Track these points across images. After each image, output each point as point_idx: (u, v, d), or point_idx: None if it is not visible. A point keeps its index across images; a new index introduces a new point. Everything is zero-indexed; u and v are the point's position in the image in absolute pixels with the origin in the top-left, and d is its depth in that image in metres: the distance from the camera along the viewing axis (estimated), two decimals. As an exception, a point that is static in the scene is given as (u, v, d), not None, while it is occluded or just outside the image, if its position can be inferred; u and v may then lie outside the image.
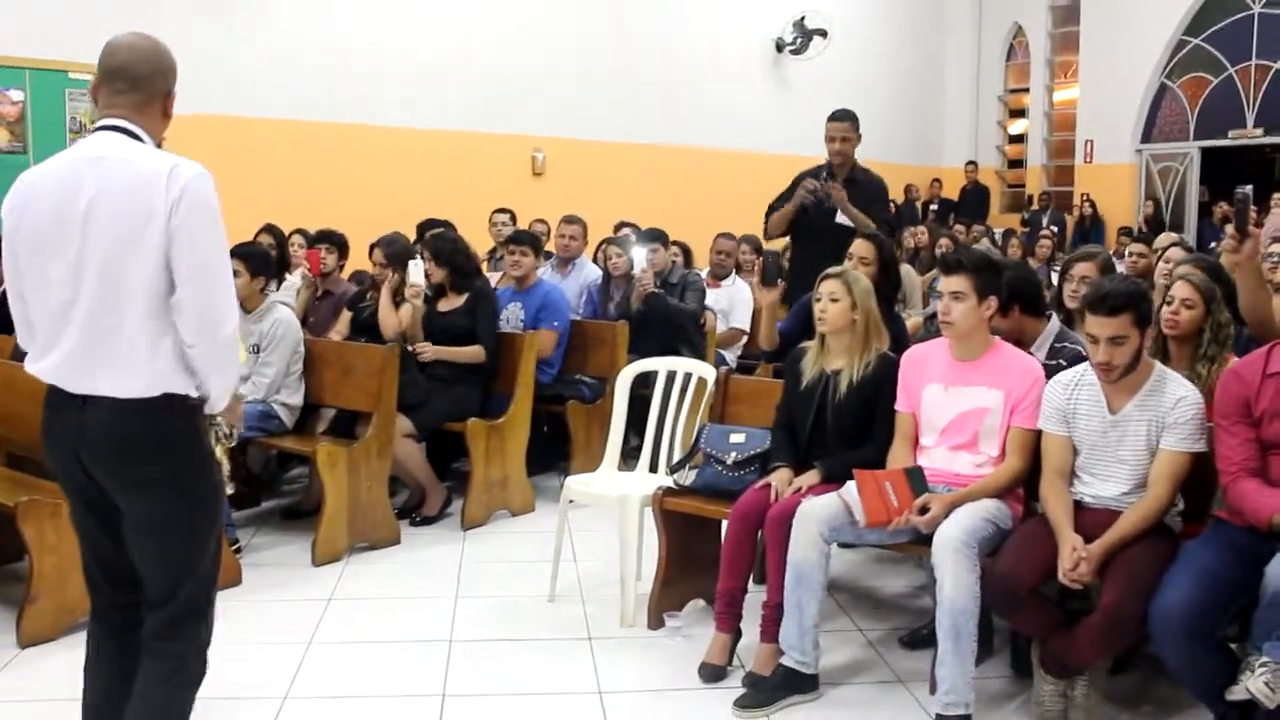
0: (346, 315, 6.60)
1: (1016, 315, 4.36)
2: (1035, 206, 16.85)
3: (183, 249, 2.71)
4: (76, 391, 2.78)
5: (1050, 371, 3.99)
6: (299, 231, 8.01)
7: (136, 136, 2.81)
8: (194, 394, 2.83)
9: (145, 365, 2.75)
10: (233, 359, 2.86)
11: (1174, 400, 3.63)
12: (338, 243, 7.27)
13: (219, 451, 3.05)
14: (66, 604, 4.43)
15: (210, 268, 2.76)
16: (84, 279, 2.73)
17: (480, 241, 9.07)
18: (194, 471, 2.88)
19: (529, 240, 7.01)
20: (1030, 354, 4.22)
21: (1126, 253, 8.12)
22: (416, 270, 6.12)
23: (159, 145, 2.87)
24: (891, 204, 15.02)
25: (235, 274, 5.66)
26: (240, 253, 5.62)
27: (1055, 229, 14.49)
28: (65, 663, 4.18)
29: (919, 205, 16.81)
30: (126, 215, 2.70)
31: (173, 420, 2.80)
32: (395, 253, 6.41)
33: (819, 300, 4.29)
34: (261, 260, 5.86)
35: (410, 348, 6.03)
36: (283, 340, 5.73)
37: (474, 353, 6.21)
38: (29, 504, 4.36)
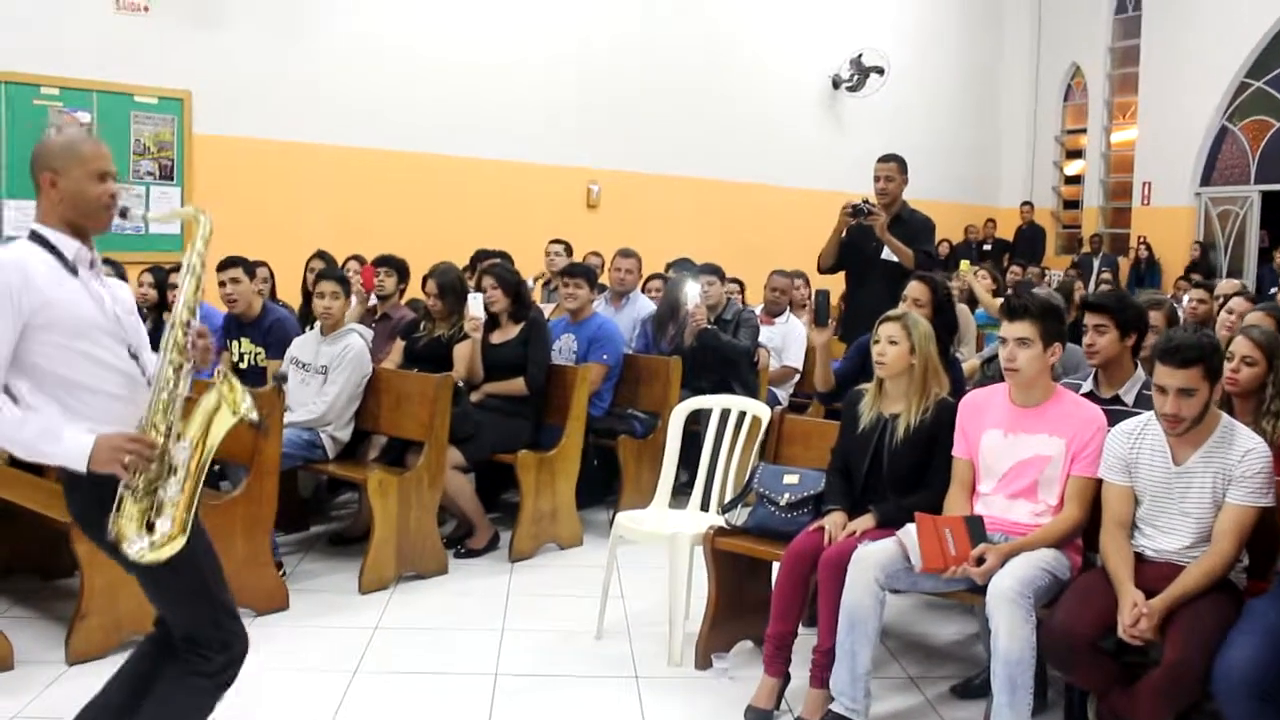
0: (399, 344, 6.62)
1: (1128, 345, 4.27)
2: (1087, 249, 16.67)
3: None
4: None
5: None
6: (355, 258, 8.07)
7: (31, 232, 3.06)
8: (56, 463, 2.99)
9: None
10: None
11: (1241, 453, 3.55)
12: (397, 267, 7.32)
13: (129, 507, 2.97)
14: (116, 622, 4.46)
15: None
16: None
17: (534, 272, 9.10)
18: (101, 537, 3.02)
19: (584, 273, 7.01)
20: (1096, 398, 4.16)
21: (1185, 299, 8.03)
22: (476, 304, 6.13)
23: (69, 223, 3.05)
24: (945, 242, 15.12)
25: (334, 296, 5.93)
26: (335, 276, 6.19)
27: (1109, 272, 14.32)
28: (113, 683, 4.20)
29: (974, 245, 16.68)
30: None
31: (75, 495, 3.07)
32: (447, 283, 6.43)
33: (877, 343, 4.26)
34: (349, 286, 6.35)
35: (460, 383, 6.02)
36: (350, 365, 5.80)
37: (517, 385, 6.22)
38: (82, 523, 4.39)
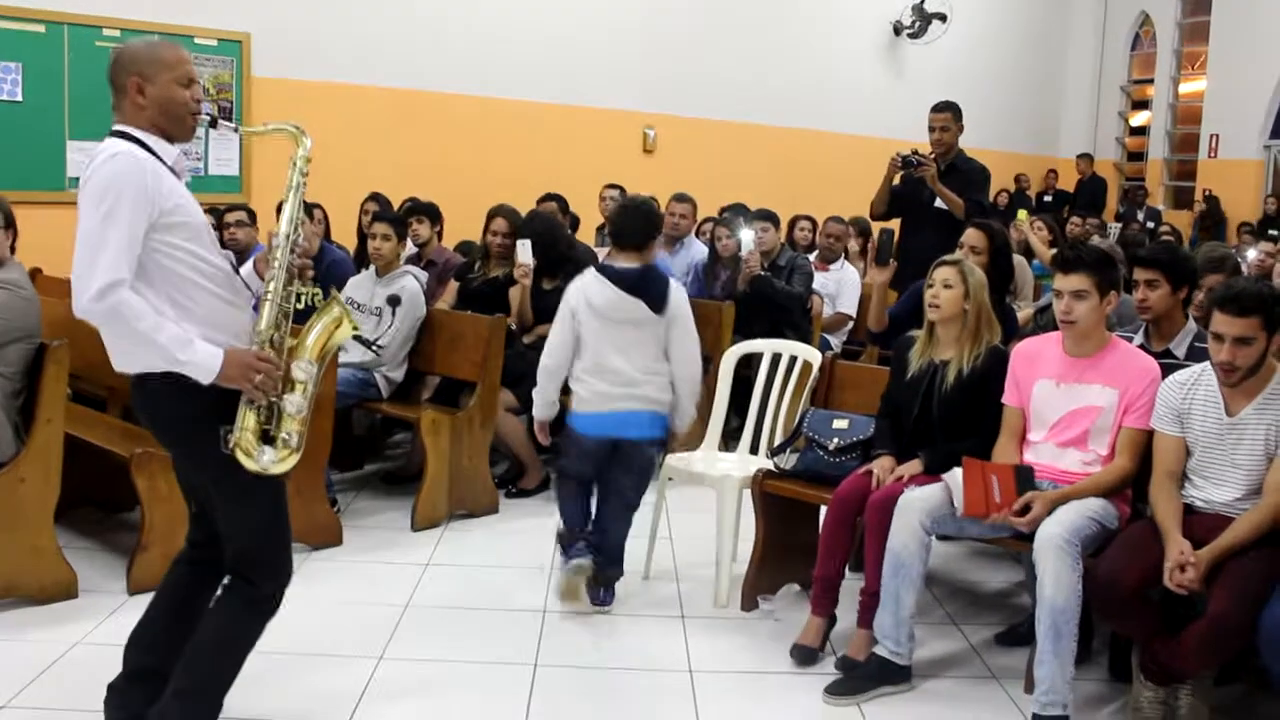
0: (454, 285, 6.66)
1: (1179, 299, 4.20)
2: (1129, 201, 16.33)
3: (78, 220, 2.88)
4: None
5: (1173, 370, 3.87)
6: (410, 200, 8.10)
7: (116, 131, 3.00)
8: (182, 371, 2.91)
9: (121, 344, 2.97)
10: (116, 327, 2.88)
11: (1296, 405, 3.52)
12: (427, 213, 7.30)
13: (250, 420, 3.00)
14: (175, 553, 4.54)
15: (82, 238, 2.83)
16: None
17: (591, 217, 9.11)
18: (198, 449, 3.04)
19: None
20: (1147, 352, 4.12)
21: (1250, 253, 7.90)
22: (525, 250, 6.13)
23: (157, 128, 3.00)
24: (1004, 193, 14.92)
25: (385, 238, 5.92)
26: (389, 218, 6.23)
27: (1151, 225, 14.04)
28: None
29: (1031, 196, 16.46)
30: None
31: (160, 400, 3.00)
32: (516, 222, 6.45)
33: (931, 286, 4.24)
34: (403, 226, 6.37)
35: (512, 326, 6.05)
36: (405, 307, 5.86)
37: None
38: (142, 456, 4.48)
